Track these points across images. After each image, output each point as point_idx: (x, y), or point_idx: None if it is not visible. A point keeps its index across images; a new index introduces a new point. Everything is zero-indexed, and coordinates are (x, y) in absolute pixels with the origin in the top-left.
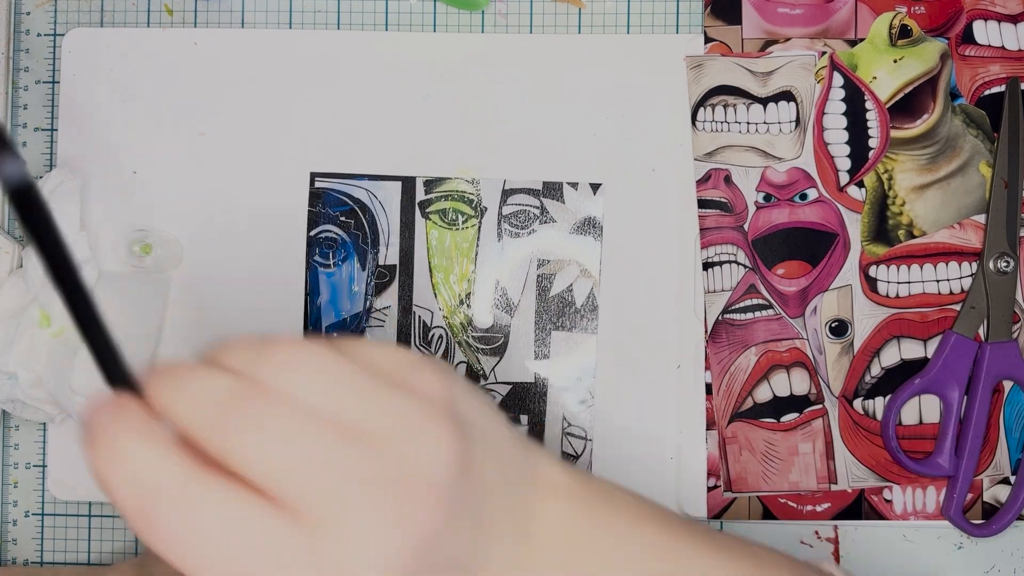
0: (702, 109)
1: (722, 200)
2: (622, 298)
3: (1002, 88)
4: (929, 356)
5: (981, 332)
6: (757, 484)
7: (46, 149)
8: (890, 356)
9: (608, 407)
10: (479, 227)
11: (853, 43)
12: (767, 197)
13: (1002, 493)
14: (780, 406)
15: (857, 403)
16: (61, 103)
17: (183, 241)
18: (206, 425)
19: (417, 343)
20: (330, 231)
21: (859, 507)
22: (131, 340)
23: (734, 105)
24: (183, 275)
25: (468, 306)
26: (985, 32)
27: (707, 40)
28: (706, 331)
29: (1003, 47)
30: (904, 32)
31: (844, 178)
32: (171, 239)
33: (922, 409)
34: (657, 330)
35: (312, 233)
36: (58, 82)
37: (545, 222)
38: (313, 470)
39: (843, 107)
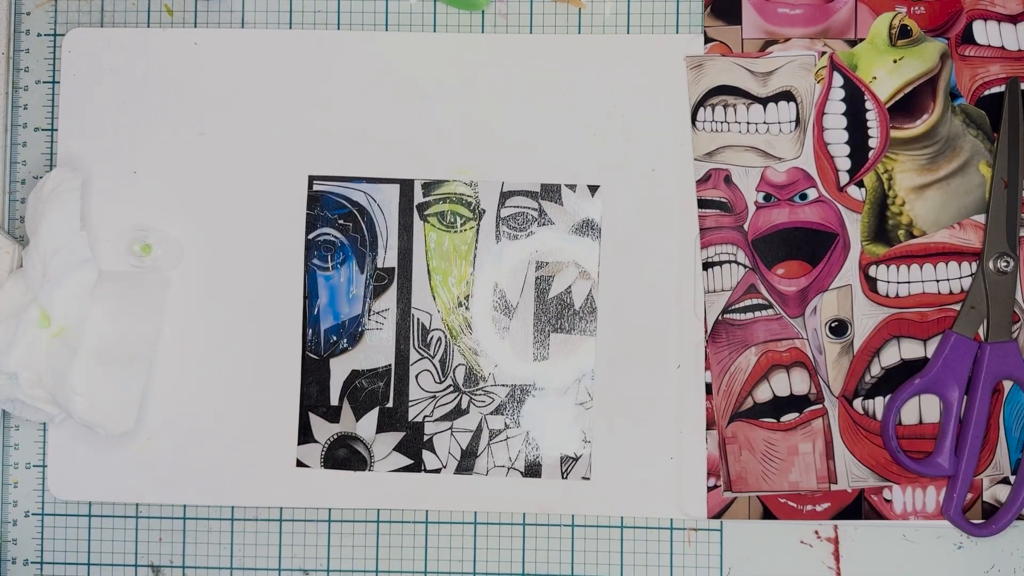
0: (702, 109)
1: (722, 200)
2: (621, 299)
3: (1002, 88)
4: (929, 356)
5: (981, 332)
6: (757, 484)
7: (46, 149)
8: (890, 356)
9: (607, 408)
10: (477, 229)
11: (853, 43)
12: (767, 197)
13: (1002, 493)
14: (780, 406)
15: (857, 403)
16: (61, 103)
17: (183, 241)
18: None
19: (416, 345)
20: (328, 234)
21: (859, 507)
22: (131, 340)
23: (734, 105)
24: (183, 275)
25: (467, 308)
26: (985, 32)
27: (707, 40)
28: (706, 331)
29: (1003, 47)
30: (904, 32)
31: (844, 178)
32: (171, 239)
33: (922, 409)
34: (657, 330)
35: (310, 236)
36: (58, 82)
37: (543, 224)
38: None
39: (843, 107)
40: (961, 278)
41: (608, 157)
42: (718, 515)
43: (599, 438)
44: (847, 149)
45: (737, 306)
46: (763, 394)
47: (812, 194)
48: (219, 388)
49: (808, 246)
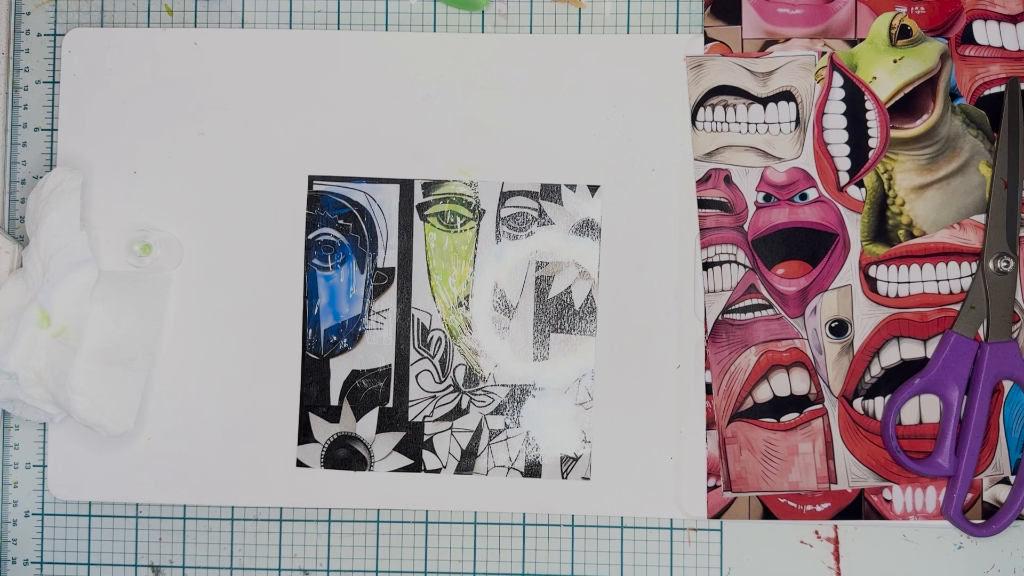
0: (702, 109)
1: (722, 200)
2: (621, 299)
3: (1002, 88)
4: (929, 356)
5: (981, 332)
6: (757, 484)
7: (46, 149)
8: (890, 356)
9: (607, 408)
10: (477, 229)
11: (853, 43)
12: (767, 197)
13: (1002, 493)
14: (780, 406)
15: (857, 403)
16: (61, 103)
17: (183, 241)
18: None
19: (416, 345)
20: (328, 234)
21: (859, 507)
22: (131, 340)
23: (734, 105)
24: (183, 275)
25: (467, 308)
26: (985, 32)
27: (707, 40)
28: (706, 331)
29: (1003, 47)
30: (904, 32)
31: (844, 178)
32: (171, 239)
33: (922, 409)
34: (657, 330)
35: (310, 236)
36: (58, 82)
37: (543, 224)
38: None
39: (843, 107)
40: (961, 278)
41: (608, 157)
42: (718, 515)
43: (599, 438)
44: (847, 149)
45: (737, 306)
46: (763, 394)
47: (812, 194)
48: (219, 388)
49: (808, 246)
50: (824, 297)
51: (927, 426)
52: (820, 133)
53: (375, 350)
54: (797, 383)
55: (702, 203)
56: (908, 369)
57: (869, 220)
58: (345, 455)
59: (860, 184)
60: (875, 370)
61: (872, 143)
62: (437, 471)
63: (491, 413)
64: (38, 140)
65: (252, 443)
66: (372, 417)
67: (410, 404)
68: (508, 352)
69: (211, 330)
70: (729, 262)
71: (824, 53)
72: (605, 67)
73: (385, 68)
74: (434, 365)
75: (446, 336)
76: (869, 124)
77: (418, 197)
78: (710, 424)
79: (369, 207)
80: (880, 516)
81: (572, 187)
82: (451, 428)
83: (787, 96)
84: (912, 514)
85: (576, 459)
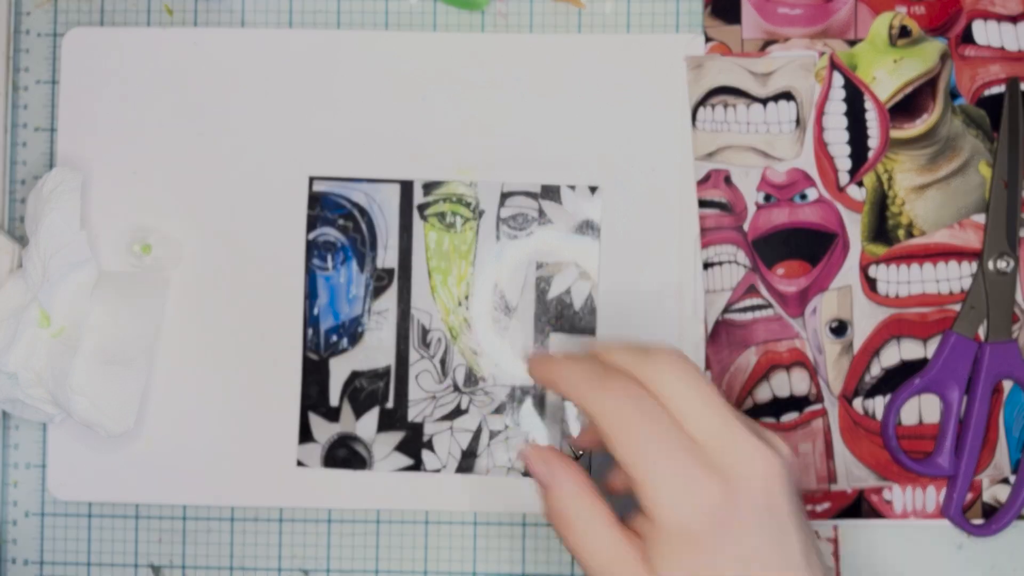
0: (702, 109)
1: (722, 200)
2: (621, 299)
3: (1002, 88)
4: (929, 356)
5: (981, 332)
6: None
7: (46, 149)
8: (890, 356)
9: None
10: (477, 229)
11: (853, 43)
12: (767, 197)
13: (1002, 493)
14: (780, 406)
15: (857, 403)
16: (61, 103)
17: (183, 241)
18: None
19: (416, 346)
20: (328, 234)
21: (859, 507)
22: (131, 340)
23: (734, 105)
24: (183, 275)
25: (467, 308)
26: (985, 32)
27: (707, 40)
28: (706, 331)
29: (1003, 47)
30: (904, 32)
31: (844, 178)
32: (171, 239)
33: (922, 409)
34: (657, 330)
35: (311, 236)
36: (58, 82)
37: (543, 224)
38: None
39: (843, 107)
40: (961, 278)
41: (608, 157)
42: None
43: None
44: (847, 149)
45: (737, 306)
46: (763, 394)
47: (812, 194)
48: (219, 388)
49: (808, 246)
50: (824, 297)
51: (927, 426)
52: (820, 133)
53: (375, 350)
54: (797, 383)
55: (702, 203)
56: (908, 369)
57: (869, 220)
58: (345, 455)
59: (860, 184)
60: (875, 370)
61: (872, 143)
62: (437, 471)
63: (491, 413)
64: (38, 140)
65: (252, 443)
66: (372, 417)
67: (410, 404)
68: (508, 352)
69: (211, 330)
70: (729, 262)
71: (824, 53)
72: (605, 67)
73: (385, 68)
74: (434, 365)
75: (446, 336)
76: (869, 124)
77: (418, 197)
78: None
79: (369, 207)
80: (880, 516)
81: (572, 187)
82: (451, 428)
83: (787, 96)
84: (912, 514)
85: (576, 459)
